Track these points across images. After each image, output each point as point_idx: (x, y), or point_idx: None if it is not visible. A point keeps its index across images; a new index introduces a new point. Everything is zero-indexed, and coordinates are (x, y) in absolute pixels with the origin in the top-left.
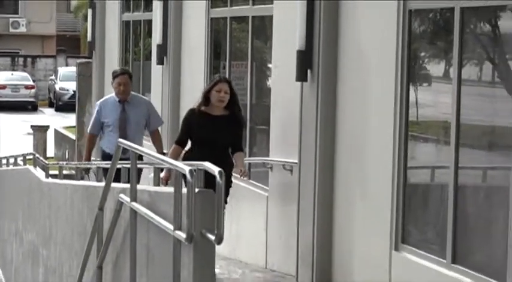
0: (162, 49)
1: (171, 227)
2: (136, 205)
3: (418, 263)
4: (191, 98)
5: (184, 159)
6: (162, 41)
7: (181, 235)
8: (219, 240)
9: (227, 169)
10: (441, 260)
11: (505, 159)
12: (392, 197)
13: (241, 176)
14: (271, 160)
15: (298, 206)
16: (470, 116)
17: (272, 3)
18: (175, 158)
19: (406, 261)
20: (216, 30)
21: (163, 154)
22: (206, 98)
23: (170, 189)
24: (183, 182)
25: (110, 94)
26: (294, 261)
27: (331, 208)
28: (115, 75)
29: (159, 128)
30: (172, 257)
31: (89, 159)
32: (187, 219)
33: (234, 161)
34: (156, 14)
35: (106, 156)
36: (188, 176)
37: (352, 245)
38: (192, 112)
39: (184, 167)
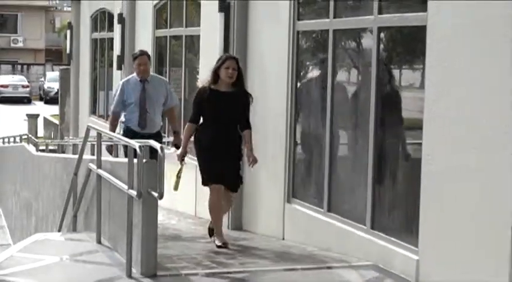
0: (121, 58)
1: (125, 187)
2: (101, 171)
3: (303, 212)
4: None
5: (196, 135)
6: (121, 52)
7: (133, 193)
8: (161, 196)
9: (236, 144)
10: (320, 209)
11: (364, 136)
12: (285, 163)
13: (250, 164)
14: None
15: None
16: (341, 106)
17: (199, 27)
18: (190, 135)
19: (295, 211)
20: (160, 45)
21: (178, 131)
22: (216, 75)
23: (125, 159)
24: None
25: (131, 75)
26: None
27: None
28: (135, 56)
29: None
30: (127, 208)
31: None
32: (137, 181)
33: (243, 137)
34: (116, 33)
35: (128, 131)
36: (138, 150)
37: (257, 199)
38: (202, 90)
39: (135, 143)
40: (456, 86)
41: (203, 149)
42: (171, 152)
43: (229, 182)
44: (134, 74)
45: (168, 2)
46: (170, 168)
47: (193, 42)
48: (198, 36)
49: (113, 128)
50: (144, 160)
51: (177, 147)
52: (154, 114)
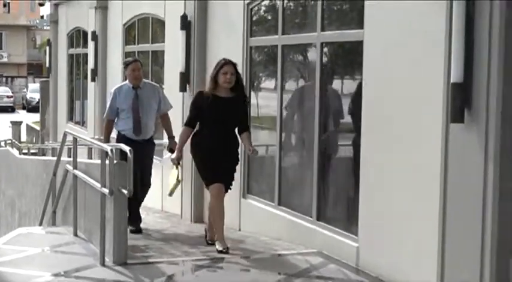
0: (94, 71)
1: (98, 185)
2: (76, 171)
3: (257, 206)
4: None
5: (194, 140)
6: (94, 66)
7: (105, 190)
8: (130, 193)
9: (234, 148)
10: (271, 203)
11: (310, 138)
12: (241, 163)
13: (251, 154)
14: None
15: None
16: (289, 112)
17: (164, 43)
18: (186, 139)
19: (250, 205)
20: None
21: (173, 136)
22: (214, 81)
23: (98, 161)
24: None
25: (123, 82)
26: (180, 206)
27: None
28: (127, 63)
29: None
30: (100, 204)
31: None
32: (109, 180)
33: (241, 140)
34: (90, 49)
35: (122, 138)
36: (109, 152)
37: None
38: (200, 94)
39: (107, 147)
40: (390, 93)
41: (202, 153)
42: (166, 157)
43: (224, 179)
44: (126, 82)
45: (136, 21)
46: (171, 173)
47: (158, 57)
48: (163, 51)
49: (108, 134)
50: (114, 161)
51: (172, 152)
52: (147, 120)
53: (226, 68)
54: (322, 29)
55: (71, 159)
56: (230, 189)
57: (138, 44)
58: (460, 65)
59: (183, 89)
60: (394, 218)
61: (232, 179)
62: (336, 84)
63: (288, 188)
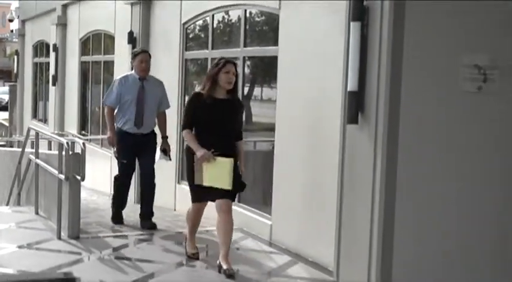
0: (55, 77)
1: (56, 172)
2: (38, 161)
3: (188, 190)
4: (71, 103)
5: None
6: (55, 73)
7: (62, 176)
8: (82, 179)
9: (233, 152)
10: None
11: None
12: (176, 155)
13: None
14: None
15: None
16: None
17: (114, 54)
18: (195, 138)
19: (183, 189)
20: (84, 68)
21: (167, 136)
22: (214, 80)
23: (56, 152)
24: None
25: (129, 72)
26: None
27: None
28: (136, 53)
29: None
30: (57, 188)
31: (114, 132)
32: (65, 168)
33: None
34: (52, 59)
35: (123, 135)
36: (65, 145)
37: (157, 180)
38: (197, 95)
39: (63, 140)
40: (298, 99)
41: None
42: (159, 158)
43: (228, 191)
44: (132, 72)
45: (90, 35)
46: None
47: (109, 66)
48: (113, 61)
49: (111, 121)
50: (70, 152)
51: (165, 152)
52: (150, 113)
53: (229, 67)
54: (245, 45)
55: (34, 150)
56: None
57: (92, 55)
58: (355, 77)
59: None
60: (299, 203)
61: (239, 178)
62: (257, 91)
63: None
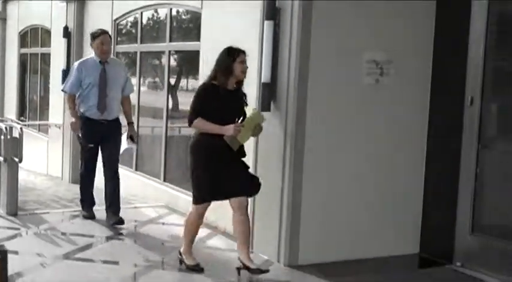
0: None
1: None
2: None
3: (122, 171)
4: (10, 92)
5: (206, 139)
6: None
7: (1, 158)
8: (20, 160)
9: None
10: (130, 169)
11: (160, 122)
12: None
13: None
14: (51, 122)
15: (62, 145)
16: (146, 102)
17: (50, 47)
18: (211, 123)
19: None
20: (23, 59)
21: (132, 122)
22: (229, 71)
23: None
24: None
25: (87, 56)
26: (60, 170)
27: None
28: (96, 34)
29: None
30: None
31: (77, 117)
32: (4, 150)
33: None
34: None
35: (85, 121)
36: (4, 129)
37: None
38: (209, 86)
39: (2, 125)
40: None
41: (210, 158)
42: (128, 147)
43: (244, 189)
44: (92, 55)
45: (29, 30)
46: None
47: (46, 58)
48: (49, 53)
49: (73, 107)
50: (8, 137)
51: (132, 139)
52: (113, 97)
53: (243, 57)
54: (170, 40)
55: None
56: (259, 186)
57: (30, 47)
58: (268, 70)
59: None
60: None
61: (252, 178)
62: (181, 81)
63: (143, 158)
